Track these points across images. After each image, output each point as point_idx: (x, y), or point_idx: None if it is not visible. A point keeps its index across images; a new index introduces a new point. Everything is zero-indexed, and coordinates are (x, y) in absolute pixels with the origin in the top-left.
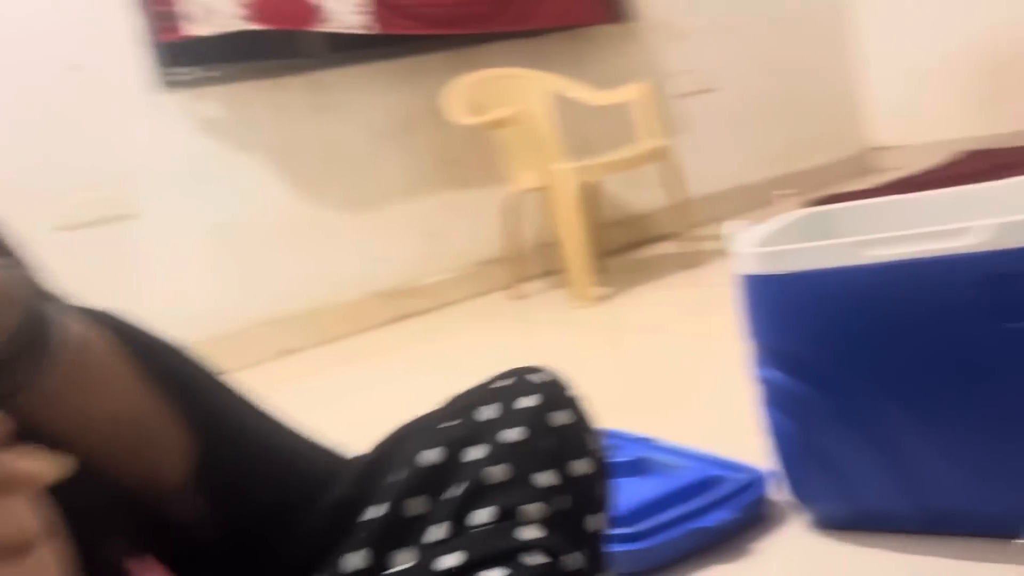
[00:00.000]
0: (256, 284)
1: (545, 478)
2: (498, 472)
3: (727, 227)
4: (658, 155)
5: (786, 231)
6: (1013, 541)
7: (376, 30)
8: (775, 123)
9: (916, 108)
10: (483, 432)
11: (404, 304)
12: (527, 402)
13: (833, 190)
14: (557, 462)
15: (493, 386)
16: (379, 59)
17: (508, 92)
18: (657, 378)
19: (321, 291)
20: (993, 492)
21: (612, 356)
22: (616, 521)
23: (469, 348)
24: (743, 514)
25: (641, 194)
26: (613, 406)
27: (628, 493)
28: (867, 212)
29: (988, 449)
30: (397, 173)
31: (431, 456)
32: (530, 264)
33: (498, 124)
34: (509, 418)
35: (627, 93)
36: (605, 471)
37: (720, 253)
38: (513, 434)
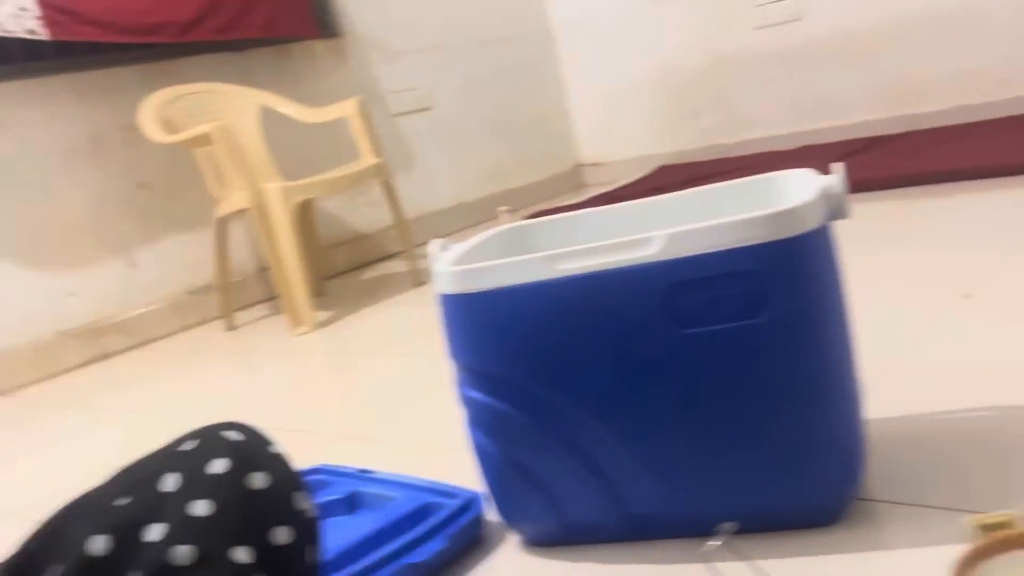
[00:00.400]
0: None
1: (241, 554)
2: (184, 553)
3: (431, 245)
4: (375, 173)
5: (484, 248)
6: (708, 541)
7: (47, 36)
8: (493, 141)
9: (617, 127)
10: (165, 506)
11: (102, 343)
12: (217, 467)
13: (549, 205)
14: (254, 534)
15: (177, 450)
16: (61, 71)
17: (212, 108)
18: (382, 404)
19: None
20: (687, 495)
21: (337, 383)
22: (325, 567)
23: (182, 388)
24: (456, 542)
25: (363, 214)
26: (338, 437)
27: (339, 533)
28: (564, 225)
29: (678, 453)
30: (87, 197)
31: (99, 543)
32: (246, 291)
33: (198, 142)
34: (196, 487)
35: (340, 110)
36: (312, 533)
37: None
38: (201, 506)
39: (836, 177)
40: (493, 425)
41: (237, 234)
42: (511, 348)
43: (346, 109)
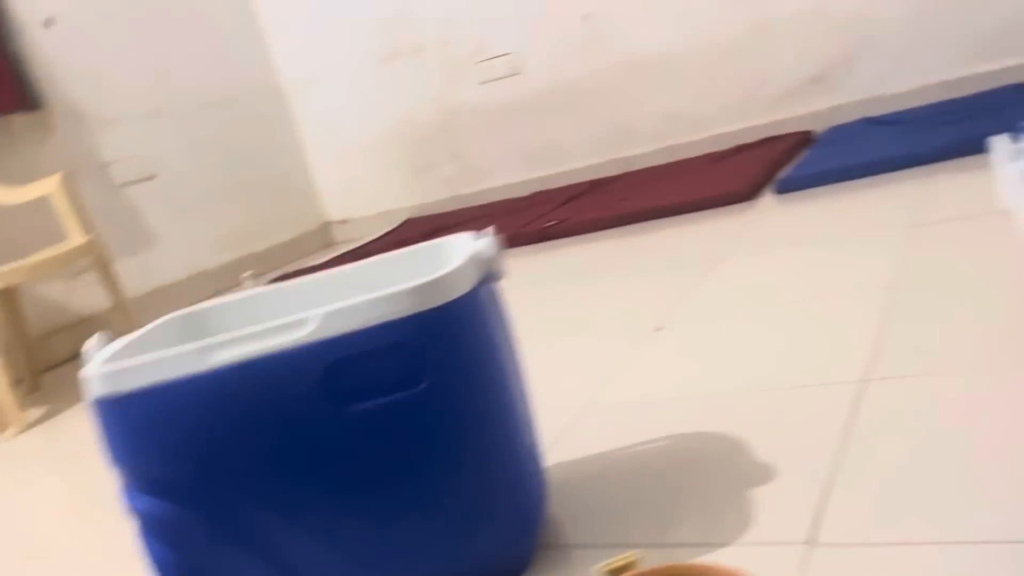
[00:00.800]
0: None
1: None
2: None
3: (91, 341)
4: (85, 252)
5: (150, 340)
6: None
7: None
8: (229, 204)
9: (360, 183)
10: None
11: None
12: None
13: (298, 265)
14: None
15: None
16: None
17: None
18: (90, 514)
19: None
20: (373, 572)
21: (58, 488)
22: None
23: None
24: None
25: (83, 296)
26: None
27: None
28: (243, 307)
29: (357, 530)
30: None
31: None
32: None
33: None
34: None
35: (42, 187)
36: None
37: None
38: None
39: (488, 240)
40: (166, 531)
41: None
42: (173, 448)
43: (48, 186)
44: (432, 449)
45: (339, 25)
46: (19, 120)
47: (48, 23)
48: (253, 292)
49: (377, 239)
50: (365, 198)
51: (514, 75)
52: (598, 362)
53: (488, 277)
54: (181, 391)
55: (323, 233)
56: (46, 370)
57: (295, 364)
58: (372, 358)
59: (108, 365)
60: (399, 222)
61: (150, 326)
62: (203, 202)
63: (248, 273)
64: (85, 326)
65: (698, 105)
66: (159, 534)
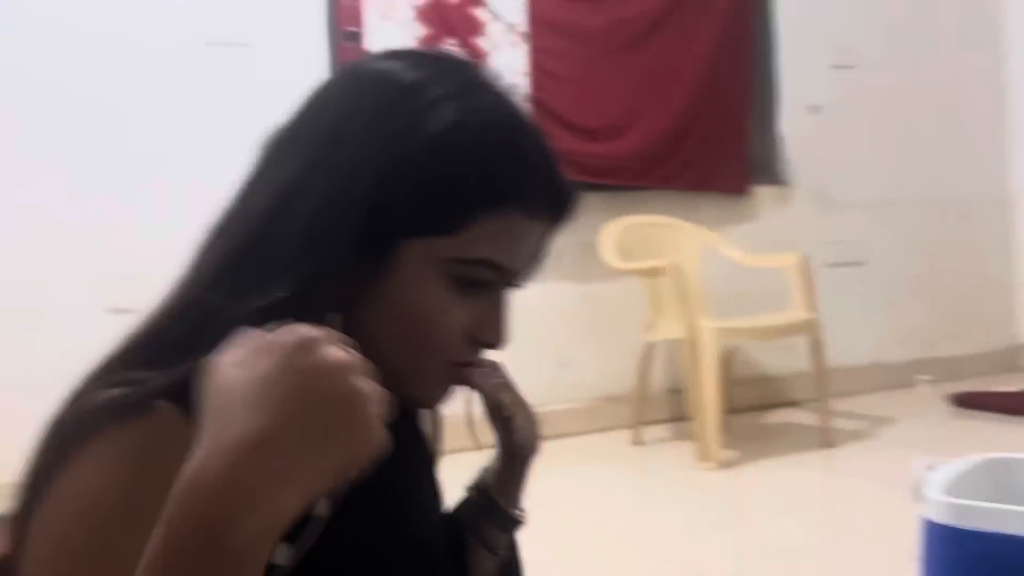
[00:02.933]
0: None
1: None
2: None
3: (915, 463)
4: (805, 328)
5: (974, 477)
6: None
7: None
8: (921, 304)
9: None
10: None
11: None
12: None
13: (978, 384)
14: None
15: None
16: None
17: (661, 241)
18: (784, 566)
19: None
20: None
21: (738, 532)
22: None
23: (583, 488)
24: None
25: (776, 356)
26: None
27: None
28: None
29: None
30: (536, 298)
31: None
32: (655, 409)
33: (649, 273)
34: None
35: (781, 260)
36: None
37: (854, 435)
38: None
39: None
40: None
41: (656, 353)
42: None
43: (787, 260)
44: None
45: None
46: (763, 192)
47: (814, 110)
48: None
49: None
50: None
51: None
52: None
53: None
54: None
55: (1011, 355)
56: (731, 413)
57: None
58: None
59: (953, 498)
60: None
61: (966, 463)
62: (899, 297)
63: (926, 377)
64: (768, 384)
65: None
66: None
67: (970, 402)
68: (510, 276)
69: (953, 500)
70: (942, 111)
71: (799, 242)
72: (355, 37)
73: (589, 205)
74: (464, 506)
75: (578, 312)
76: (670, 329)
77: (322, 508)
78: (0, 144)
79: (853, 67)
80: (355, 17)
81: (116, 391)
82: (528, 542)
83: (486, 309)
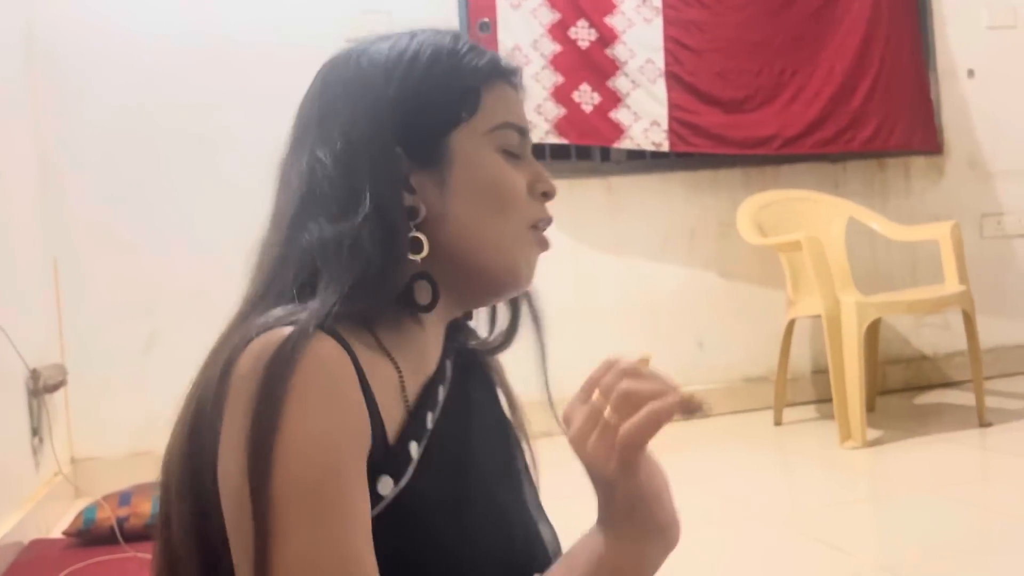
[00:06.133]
0: (527, 366)
1: None
2: None
3: None
4: (956, 301)
5: None
6: None
7: (668, 149)
8: None
9: None
10: None
11: None
12: None
13: None
14: None
15: None
16: (678, 169)
17: (801, 215)
18: (930, 545)
19: (579, 379)
20: None
21: (881, 509)
22: None
23: (726, 468)
24: None
25: (928, 335)
26: (879, 567)
27: None
28: None
29: None
30: (676, 280)
31: None
32: (797, 390)
33: (787, 248)
34: None
35: (932, 231)
36: None
37: (1015, 414)
38: None
39: None
40: None
41: (800, 333)
42: None
43: (938, 231)
44: None
45: None
46: (915, 162)
47: (970, 74)
48: None
49: None
50: None
51: None
52: None
53: None
54: None
55: None
56: (880, 394)
57: None
58: None
59: None
60: None
61: None
62: None
63: None
64: (921, 363)
65: None
66: None
67: None
68: (529, 137)
69: None
70: None
71: (953, 215)
72: (487, 27)
73: (725, 182)
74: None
75: (717, 292)
76: (811, 306)
77: (415, 449)
78: None
79: (1013, 27)
80: (488, 6)
81: (285, 326)
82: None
83: (532, 169)
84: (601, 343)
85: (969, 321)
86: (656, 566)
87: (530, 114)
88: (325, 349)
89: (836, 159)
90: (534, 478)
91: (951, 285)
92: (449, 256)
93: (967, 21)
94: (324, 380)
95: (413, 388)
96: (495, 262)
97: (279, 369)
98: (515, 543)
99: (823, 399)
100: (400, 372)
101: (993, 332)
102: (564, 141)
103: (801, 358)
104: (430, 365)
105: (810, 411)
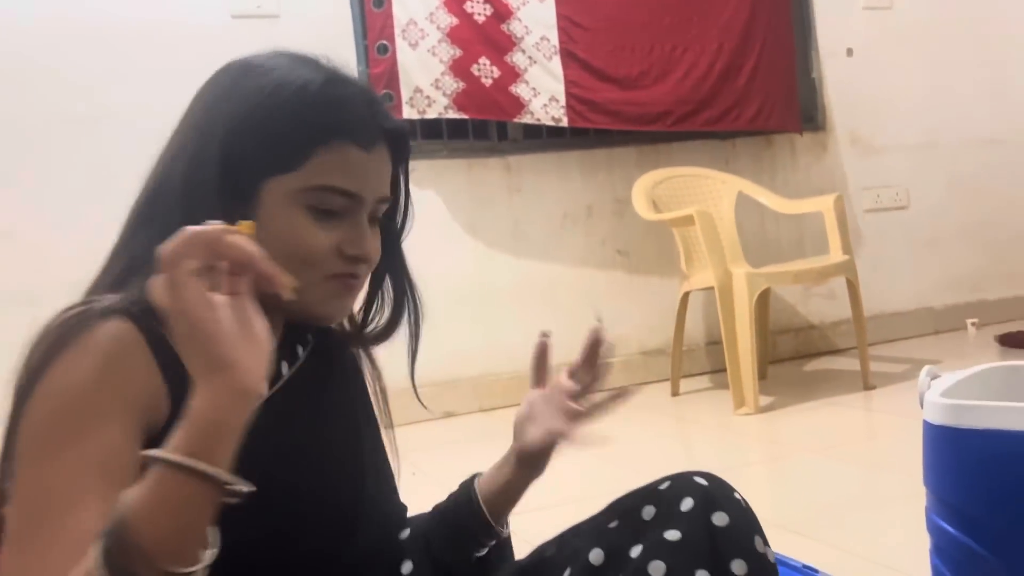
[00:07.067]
0: (428, 348)
1: None
2: (658, 567)
3: (923, 371)
4: (840, 270)
5: (977, 382)
6: None
7: (567, 124)
8: (964, 248)
9: None
10: (645, 531)
11: None
12: (686, 504)
13: (1021, 326)
14: (714, 563)
15: (654, 489)
16: (570, 148)
17: (694, 191)
18: (819, 503)
19: (488, 360)
20: None
21: (773, 471)
22: None
23: (623, 438)
24: None
25: (815, 305)
26: (772, 526)
27: None
28: None
29: None
30: (574, 257)
31: (596, 555)
32: (692, 361)
33: (680, 222)
34: (669, 519)
35: (816, 204)
36: (765, 572)
37: (897, 377)
38: (672, 534)
39: None
40: (961, 561)
41: (694, 307)
42: (995, 491)
43: (822, 204)
44: None
45: None
46: (799, 139)
47: (849, 52)
48: None
49: None
50: None
51: None
52: None
53: None
54: (1022, 443)
55: None
56: (771, 363)
57: None
58: None
59: (951, 399)
60: None
61: (972, 371)
62: (943, 240)
63: (974, 320)
64: (809, 332)
65: None
66: (953, 561)
67: (1013, 342)
68: (361, 201)
69: (949, 400)
70: (979, 49)
71: (837, 189)
72: (380, 2)
73: (620, 160)
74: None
75: (614, 268)
76: (704, 279)
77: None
78: None
79: (889, 8)
80: None
81: (80, 308)
82: (572, 486)
83: (349, 230)
84: (501, 322)
85: (853, 290)
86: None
87: (428, 88)
88: (113, 326)
89: (725, 136)
90: (392, 462)
91: (835, 255)
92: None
93: (845, 2)
94: (101, 347)
95: None
96: (294, 305)
97: (61, 334)
98: (345, 522)
99: (717, 369)
100: None
101: (875, 300)
102: (464, 116)
103: (695, 330)
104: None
105: (705, 381)
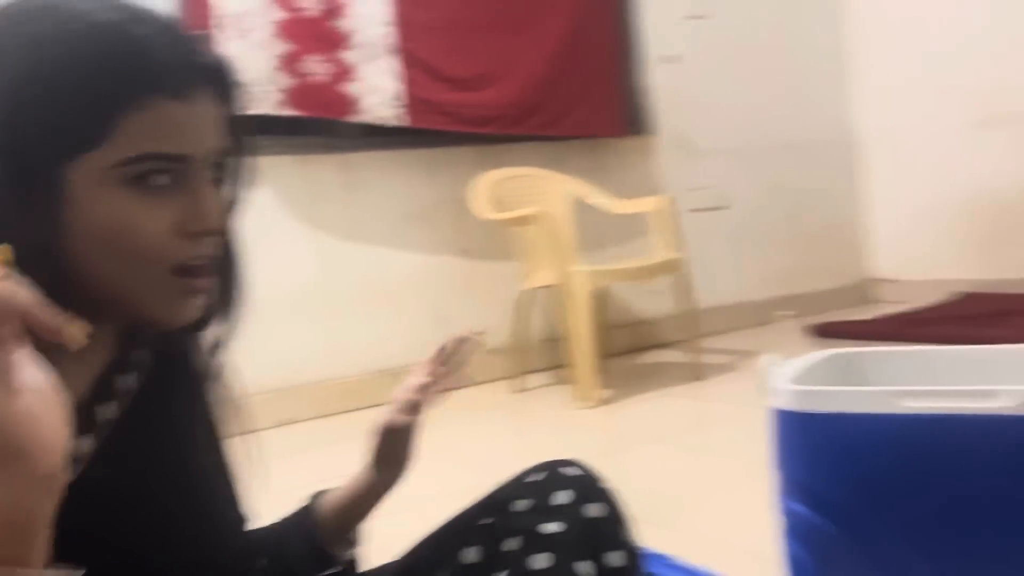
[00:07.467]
0: (263, 354)
1: (584, 568)
2: (542, 559)
3: (763, 359)
4: (671, 267)
5: (818, 369)
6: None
7: (409, 124)
8: (780, 245)
9: (916, 246)
10: (520, 524)
11: None
12: (562, 497)
13: (835, 316)
14: (593, 553)
15: (526, 480)
16: (410, 147)
17: (530, 191)
18: (659, 491)
19: (327, 364)
20: None
21: (615, 463)
22: None
23: (467, 436)
24: None
25: (648, 300)
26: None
27: None
28: (897, 359)
29: None
30: (415, 257)
31: (471, 554)
32: (535, 358)
33: (520, 221)
34: (544, 511)
35: (646, 204)
36: (638, 563)
37: (723, 368)
38: (551, 527)
39: None
40: (813, 540)
41: (534, 304)
42: (844, 471)
43: (653, 204)
44: None
45: (929, 85)
46: (628, 142)
47: (671, 59)
48: (910, 349)
49: (930, 307)
50: (917, 262)
51: None
52: None
53: None
54: (867, 425)
55: (863, 289)
56: (609, 357)
57: (989, 431)
58: None
59: (799, 386)
60: (952, 293)
61: (812, 358)
62: (760, 238)
63: (788, 312)
64: (643, 327)
65: None
66: (804, 540)
67: (827, 332)
68: (192, 161)
69: (797, 387)
70: (790, 60)
71: (665, 190)
72: None
73: (459, 160)
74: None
75: (455, 268)
76: (544, 277)
77: (86, 443)
78: None
79: (706, 18)
80: None
81: None
82: (415, 487)
83: (186, 202)
84: (342, 325)
85: (683, 285)
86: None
87: (259, 84)
88: None
89: (559, 138)
90: (236, 470)
91: (666, 253)
92: (80, 290)
93: (667, 10)
94: None
95: (80, 384)
96: (129, 313)
97: None
98: (205, 536)
99: (558, 365)
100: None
101: (703, 295)
102: (296, 113)
103: (537, 327)
104: (101, 359)
105: (547, 377)
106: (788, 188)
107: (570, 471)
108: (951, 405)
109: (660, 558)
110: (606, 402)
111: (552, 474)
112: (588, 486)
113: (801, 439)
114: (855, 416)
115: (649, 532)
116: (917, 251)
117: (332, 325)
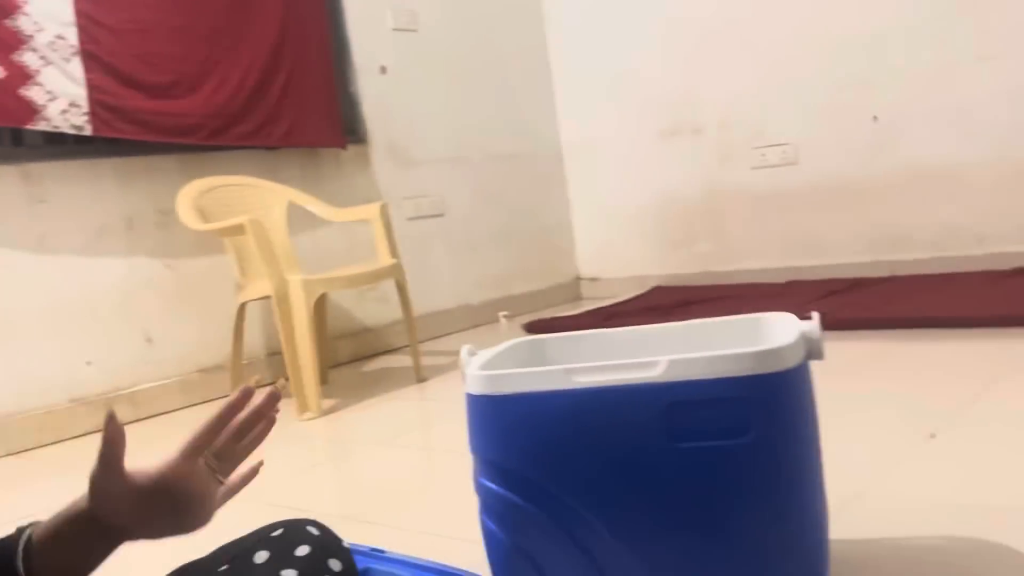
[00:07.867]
0: None
1: None
2: None
3: (463, 350)
4: (390, 273)
5: (507, 356)
6: None
7: (90, 132)
8: (498, 249)
9: (615, 246)
10: (258, 573)
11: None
12: (302, 551)
13: (547, 314)
14: None
15: (268, 535)
16: (106, 155)
17: (244, 200)
18: (384, 490)
19: (11, 395)
20: None
21: (340, 468)
22: None
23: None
24: None
25: (369, 308)
26: (340, 518)
27: None
28: (575, 342)
29: (664, 550)
30: (116, 273)
31: None
32: (256, 373)
33: (231, 232)
34: (285, 561)
35: (363, 212)
36: None
37: (445, 369)
38: (289, 573)
39: (814, 323)
40: (504, 514)
41: (251, 318)
42: (527, 446)
43: (369, 212)
44: (744, 494)
45: (626, 98)
46: (345, 152)
47: (383, 70)
48: (583, 333)
49: (627, 301)
50: (617, 261)
51: (789, 164)
52: (869, 458)
53: (810, 355)
54: (545, 402)
55: (573, 288)
56: (332, 367)
57: (642, 398)
58: (707, 406)
59: (488, 371)
60: (647, 288)
61: (503, 346)
62: (476, 244)
63: (505, 313)
64: (365, 335)
65: (983, 221)
66: (498, 515)
67: (538, 328)
68: None
69: (485, 372)
70: (498, 75)
71: (381, 198)
72: None
73: (161, 168)
74: None
75: (163, 284)
76: (260, 288)
77: None
78: None
79: (414, 31)
80: None
81: None
82: None
83: None
84: (35, 350)
85: (403, 292)
86: None
87: None
88: None
89: (272, 147)
90: None
91: (384, 259)
92: None
93: (374, 22)
94: None
95: None
96: None
97: None
98: None
99: (280, 378)
100: None
101: (421, 300)
102: None
103: (255, 341)
104: None
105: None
106: (502, 196)
107: (312, 530)
108: (617, 378)
109: (375, 552)
110: (329, 412)
111: (295, 531)
112: (328, 544)
113: (490, 420)
114: (534, 395)
115: (368, 529)
116: (616, 251)
117: (18, 352)
